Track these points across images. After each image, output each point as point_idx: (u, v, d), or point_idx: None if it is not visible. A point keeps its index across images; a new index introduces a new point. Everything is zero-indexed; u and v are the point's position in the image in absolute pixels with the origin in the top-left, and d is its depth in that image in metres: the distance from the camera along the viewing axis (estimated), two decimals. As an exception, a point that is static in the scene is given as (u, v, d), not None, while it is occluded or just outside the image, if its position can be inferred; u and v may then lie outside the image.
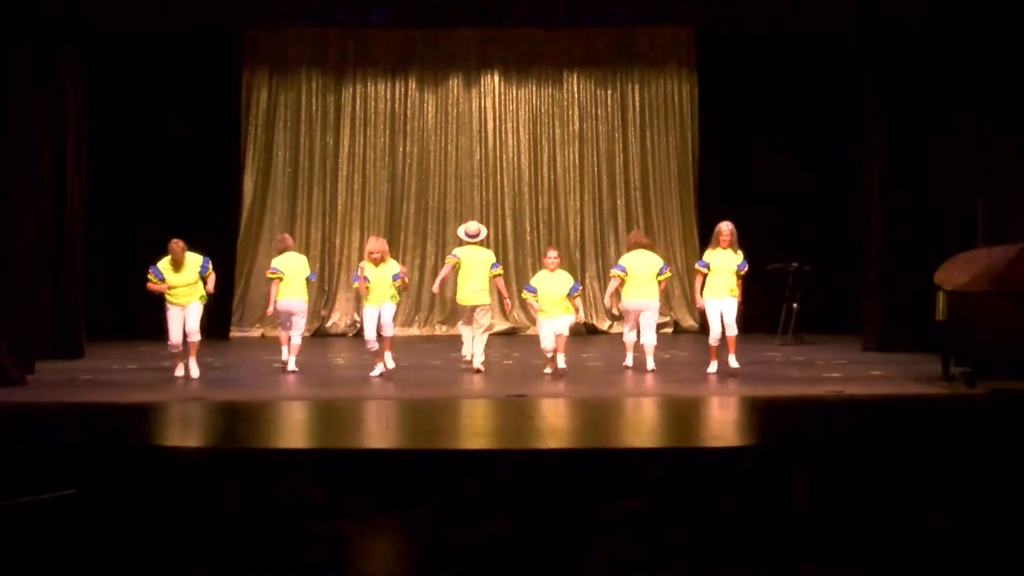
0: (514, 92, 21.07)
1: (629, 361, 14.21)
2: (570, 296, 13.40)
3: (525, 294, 13.75)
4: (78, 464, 7.52)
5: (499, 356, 15.65)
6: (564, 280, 13.52)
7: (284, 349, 14.37)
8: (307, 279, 14.47)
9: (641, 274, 13.92)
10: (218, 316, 18.72)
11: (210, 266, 13.51)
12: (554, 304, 13.33)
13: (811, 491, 7.08)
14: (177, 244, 13.33)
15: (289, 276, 14.25)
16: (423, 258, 20.75)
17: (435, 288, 14.62)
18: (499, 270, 14.23)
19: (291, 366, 14.18)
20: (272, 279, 14.38)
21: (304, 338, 14.67)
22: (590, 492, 7.14)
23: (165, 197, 18.72)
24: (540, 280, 13.62)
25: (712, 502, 7.03)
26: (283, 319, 14.40)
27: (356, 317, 20.24)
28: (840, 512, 6.85)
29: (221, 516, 6.79)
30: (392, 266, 13.59)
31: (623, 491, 7.08)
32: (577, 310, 13.61)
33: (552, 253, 13.79)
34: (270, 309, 14.49)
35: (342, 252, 20.63)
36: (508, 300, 14.83)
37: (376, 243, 13.70)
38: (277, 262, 14.48)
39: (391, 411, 11.03)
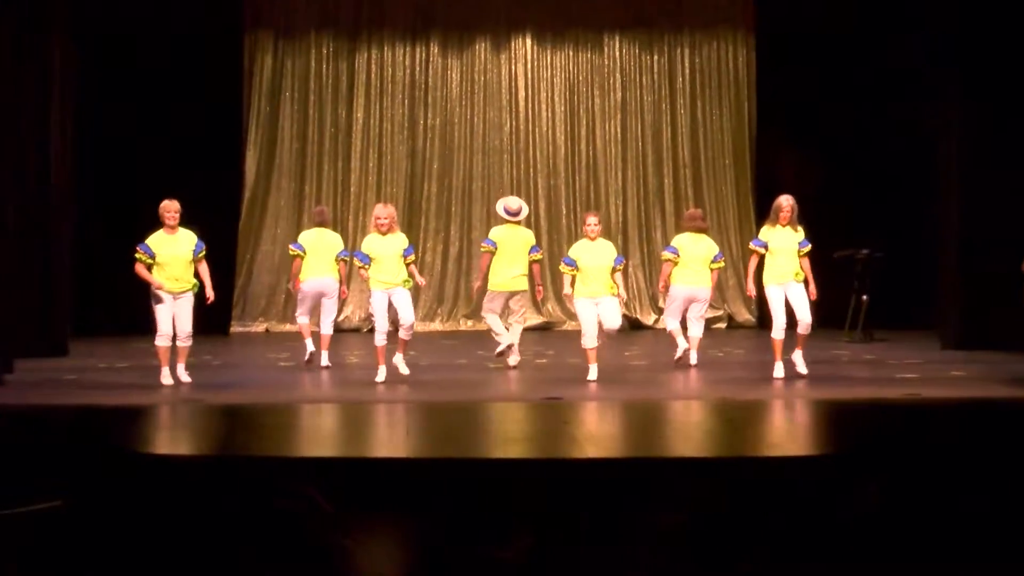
0: (548, 57, 21.05)
1: (681, 349, 14.10)
2: (615, 268, 13.11)
3: (563, 267, 13.33)
4: (60, 474, 7.55)
5: (532, 354, 15.64)
6: (607, 250, 13.23)
7: (308, 341, 14.41)
8: (338, 257, 14.48)
9: (695, 258, 13.95)
10: (217, 309, 18.76)
11: (204, 251, 12.87)
12: (596, 278, 12.98)
13: (882, 506, 7.06)
14: (172, 205, 12.71)
15: (313, 253, 14.37)
16: (446, 243, 20.76)
17: (478, 285, 14.43)
18: (539, 255, 14.25)
19: (324, 360, 14.30)
20: (293, 256, 14.51)
21: (313, 333, 14.61)
22: (633, 506, 7.14)
23: (158, 177, 18.69)
24: (579, 250, 13.28)
25: (770, 518, 7.01)
26: (311, 302, 14.42)
27: (372, 310, 20.26)
28: (915, 530, 6.82)
29: (220, 532, 6.81)
30: (401, 239, 13.22)
31: (669, 506, 7.08)
32: (618, 286, 13.18)
33: (592, 219, 13.44)
34: (292, 285, 14.55)
35: (355, 237, 20.61)
36: (541, 287, 14.70)
37: (383, 209, 13.39)
38: (301, 237, 14.77)
39: (410, 416, 11.04)
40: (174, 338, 12.79)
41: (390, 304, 13.11)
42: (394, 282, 13.04)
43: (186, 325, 12.73)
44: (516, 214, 14.14)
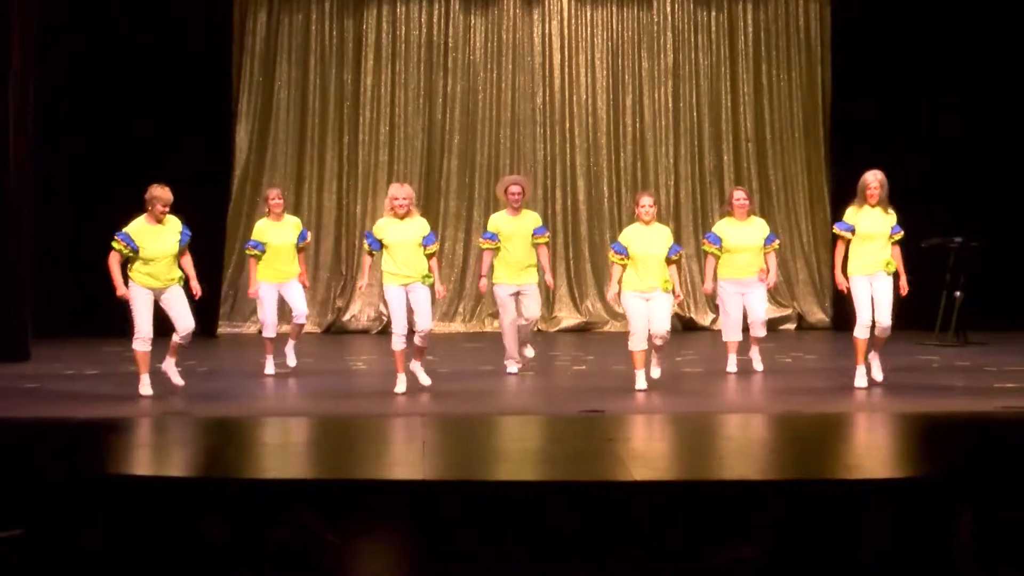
0: (588, 13, 21.02)
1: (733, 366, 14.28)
2: (670, 259, 13.03)
3: (612, 255, 13.29)
4: (21, 499, 7.58)
5: (570, 359, 15.64)
6: (663, 236, 13.15)
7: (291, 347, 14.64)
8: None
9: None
10: (203, 308, 18.79)
11: (189, 240, 12.73)
12: (650, 268, 12.92)
13: (978, 534, 7.04)
14: (165, 194, 12.53)
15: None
16: (468, 230, 20.70)
17: (550, 278, 14.62)
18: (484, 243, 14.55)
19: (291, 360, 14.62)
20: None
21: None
22: (687, 537, 7.13)
23: (134, 153, 18.76)
24: (632, 235, 13.15)
25: (848, 550, 7.01)
26: None
27: (383, 309, 20.30)
28: (1014, 561, 6.81)
29: (206, 565, 6.83)
30: (421, 224, 13.00)
31: (730, 537, 7.07)
32: (674, 282, 13.15)
33: (646, 200, 13.27)
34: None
35: (363, 224, 20.65)
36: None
37: (400, 188, 13.14)
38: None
39: (427, 431, 11.05)
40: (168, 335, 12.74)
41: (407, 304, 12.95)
42: (411, 276, 12.82)
43: (186, 320, 12.64)
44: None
